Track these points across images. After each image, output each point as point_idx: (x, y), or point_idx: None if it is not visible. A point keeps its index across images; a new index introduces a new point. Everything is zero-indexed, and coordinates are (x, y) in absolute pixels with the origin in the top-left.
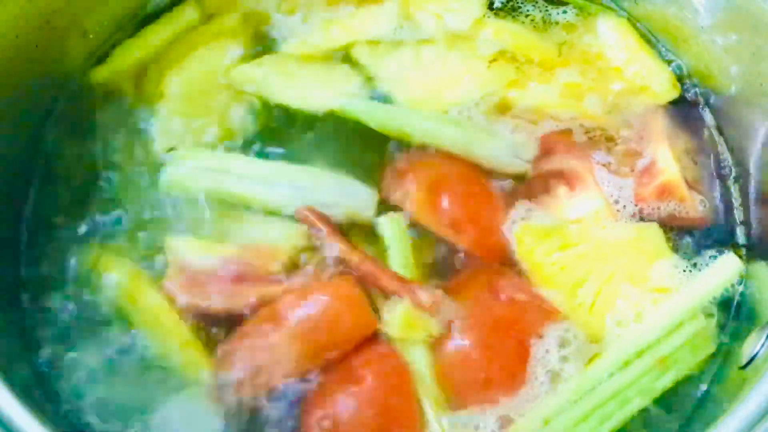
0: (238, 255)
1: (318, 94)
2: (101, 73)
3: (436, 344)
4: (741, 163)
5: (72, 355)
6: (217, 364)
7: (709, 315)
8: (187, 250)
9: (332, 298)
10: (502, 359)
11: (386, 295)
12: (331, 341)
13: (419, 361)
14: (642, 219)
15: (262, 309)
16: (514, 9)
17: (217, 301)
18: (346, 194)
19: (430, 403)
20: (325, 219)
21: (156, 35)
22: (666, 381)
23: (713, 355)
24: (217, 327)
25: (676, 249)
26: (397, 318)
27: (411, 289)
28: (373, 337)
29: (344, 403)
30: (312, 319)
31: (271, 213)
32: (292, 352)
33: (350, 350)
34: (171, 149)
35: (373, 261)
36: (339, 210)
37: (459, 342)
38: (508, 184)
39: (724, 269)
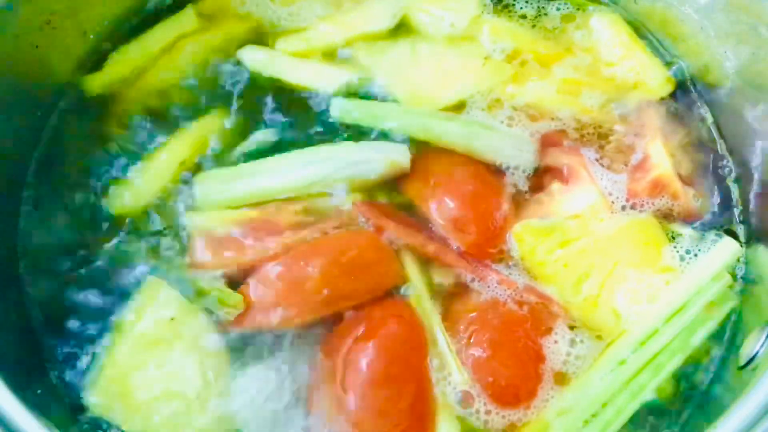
0: (254, 215)
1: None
2: (98, 81)
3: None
4: (738, 158)
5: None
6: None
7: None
8: (205, 221)
9: (362, 246)
10: (515, 362)
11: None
12: (357, 286)
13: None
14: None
15: (288, 251)
16: (507, 6)
17: (242, 258)
18: (379, 149)
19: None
20: (383, 212)
21: (153, 41)
22: (698, 338)
23: (714, 354)
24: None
25: (673, 239)
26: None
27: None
28: (392, 294)
29: (361, 351)
30: (337, 262)
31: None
32: (312, 291)
33: (372, 299)
34: (197, 172)
35: (435, 243)
36: (377, 165)
37: (471, 350)
38: (507, 183)
39: (724, 252)
